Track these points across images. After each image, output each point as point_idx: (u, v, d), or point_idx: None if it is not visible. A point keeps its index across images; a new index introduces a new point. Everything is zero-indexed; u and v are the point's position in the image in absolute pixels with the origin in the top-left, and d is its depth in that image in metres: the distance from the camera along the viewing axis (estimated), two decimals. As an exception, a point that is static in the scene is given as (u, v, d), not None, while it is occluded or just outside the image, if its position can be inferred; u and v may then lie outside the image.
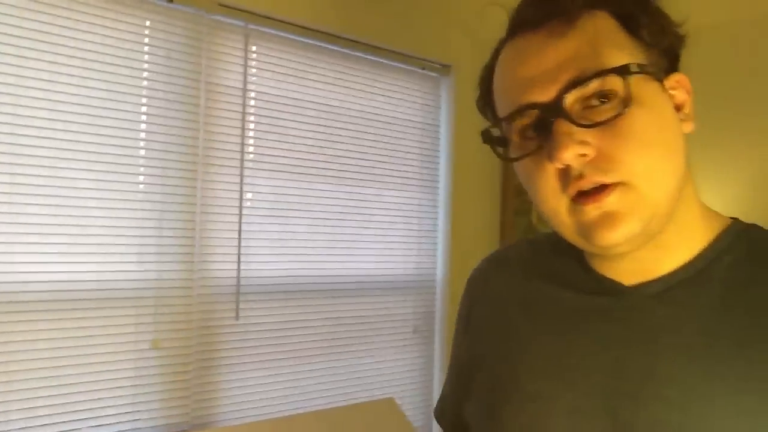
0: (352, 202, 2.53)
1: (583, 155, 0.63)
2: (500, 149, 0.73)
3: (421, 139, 2.78)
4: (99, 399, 1.93)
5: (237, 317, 2.21)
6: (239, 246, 2.22)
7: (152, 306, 2.04)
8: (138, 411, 1.99)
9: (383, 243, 2.64)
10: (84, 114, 1.91)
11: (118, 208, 1.97)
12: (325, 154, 2.46)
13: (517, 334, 0.79)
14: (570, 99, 0.64)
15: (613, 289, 0.72)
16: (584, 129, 0.63)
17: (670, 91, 0.68)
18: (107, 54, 1.96)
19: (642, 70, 0.65)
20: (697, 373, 0.65)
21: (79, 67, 1.91)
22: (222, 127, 2.20)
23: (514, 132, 0.69)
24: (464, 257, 2.84)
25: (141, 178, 2.03)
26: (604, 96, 0.64)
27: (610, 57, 0.64)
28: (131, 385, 1.99)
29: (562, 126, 0.63)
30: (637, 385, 0.67)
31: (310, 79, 2.42)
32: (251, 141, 2.27)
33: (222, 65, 2.20)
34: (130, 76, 2.00)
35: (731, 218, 0.74)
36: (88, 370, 1.91)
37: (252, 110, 2.28)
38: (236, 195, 2.23)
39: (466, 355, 0.88)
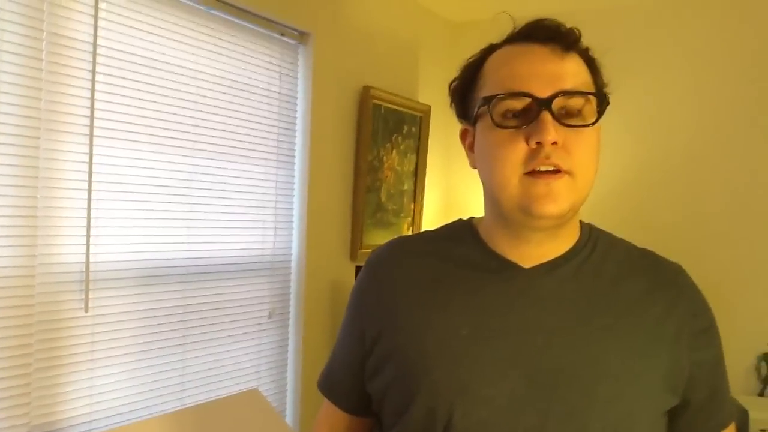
0: (207, 177, 2.31)
1: (555, 143, 0.86)
2: (461, 113, 1.00)
3: (279, 110, 2.61)
4: None
5: (86, 309, 1.92)
6: (88, 228, 1.92)
7: (-15, 299, 1.70)
8: (-34, 425, 1.67)
9: (239, 222, 2.45)
10: None
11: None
12: (179, 123, 2.20)
13: (434, 308, 0.96)
14: (558, 101, 0.87)
15: (515, 268, 0.96)
16: (562, 126, 0.87)
17: None
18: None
19: (607, 101, 0.92)
20: (581, 325, 0.91)
21: None
22: (68, 87, 1.87)
23: (497, 111, 0.89)
24: (319, 236, 2.74)
25: (-30, 145, 1.67)
26: (573, 109, 0.89)
27: (588, 86, 0.91)
28: (-41, 396, 1.65)
29: (548, 117, 0.86)
30: (543, 338, 0.91)
31: (165, 38, 2.15)
32: (101, 106, 1.96)
33: (68, 14, 1.87)
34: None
35: (580, 221, 1.01)
36: None
37: (103, 69, 1.97)
38: (85, 168, 1.92)
39: (373, 332, 1.00)
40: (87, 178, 1.92)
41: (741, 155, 3.02)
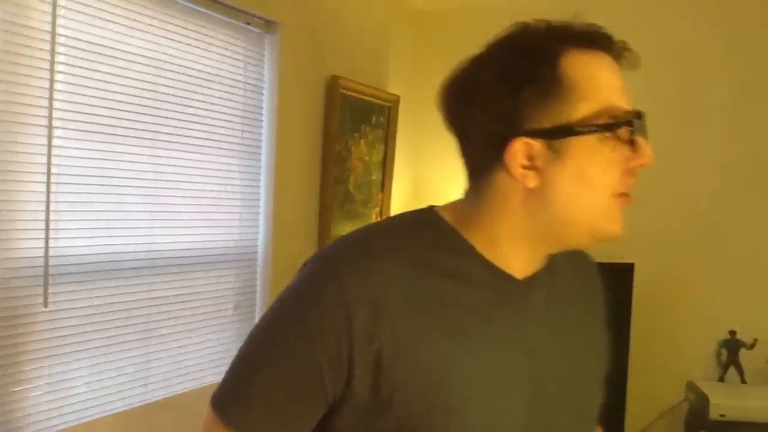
0: (170, 168, 2.27)
1: None
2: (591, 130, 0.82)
3: (244, 100, 2.58)
4: None
5: (45, 304, 1.88)
6: (47, 220, 1.88)
7: (-61, 296, 1.66)
8: None
9: (204, 213, 2.42)
10: None
11: None
12: (142, 113, 2.16)
13: (444, 338, 0.82)
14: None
15: (511, 281, 0.88)
16: None
17: None
18: None
19: None
20: (564, 338, 0.91)
21: None
22: (26, 78, 1.82)
23: (621, 133, 0.80)
24: (286, 228, 2.72)
25: None
26: None
27: None
28: None
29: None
30: (543, 360, 0.88)
31: (127, 26, 2.10)
32: (61, 96, 1.91)
33: (25, 1, 1.81)
34: None
35: None
36: None
37: (62, 59, 1.91)
38: (43, 159, 1.87)
39: (362, 366, 0.80)
40: (46, 170, 1.87)
41: (703, 146, 3.07)
